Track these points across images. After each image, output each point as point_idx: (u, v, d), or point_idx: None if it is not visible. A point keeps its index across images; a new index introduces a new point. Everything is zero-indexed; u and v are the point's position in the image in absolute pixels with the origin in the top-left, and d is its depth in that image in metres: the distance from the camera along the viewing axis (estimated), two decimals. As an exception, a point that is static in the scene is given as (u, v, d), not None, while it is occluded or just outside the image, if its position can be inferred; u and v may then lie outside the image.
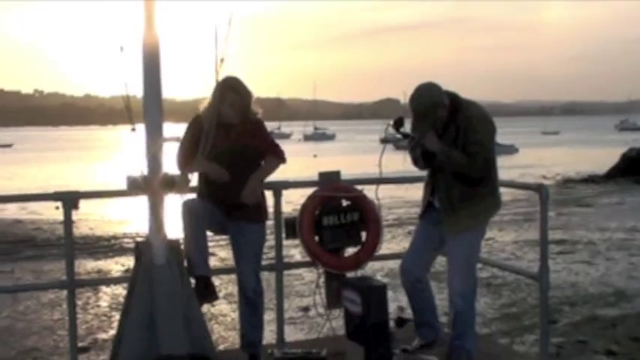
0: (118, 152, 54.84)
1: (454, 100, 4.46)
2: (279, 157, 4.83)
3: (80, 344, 6.13)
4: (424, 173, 4.79)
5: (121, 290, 8.82)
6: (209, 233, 4.82)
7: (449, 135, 4.43)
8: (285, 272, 5.30)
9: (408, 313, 5.23)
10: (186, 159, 4.67)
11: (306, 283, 9.40)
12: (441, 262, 5.24)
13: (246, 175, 4.69)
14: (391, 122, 4.56)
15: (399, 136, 4.65)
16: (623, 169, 27.31)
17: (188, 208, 4.55)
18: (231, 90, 4.65)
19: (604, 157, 38.00)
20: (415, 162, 4.69)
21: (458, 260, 4.54)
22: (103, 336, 7.40)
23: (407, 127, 4.58)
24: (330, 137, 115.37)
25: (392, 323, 5.24)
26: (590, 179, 28.13)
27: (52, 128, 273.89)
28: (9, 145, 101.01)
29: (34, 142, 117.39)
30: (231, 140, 4.69)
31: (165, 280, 3.47)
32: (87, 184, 28.77)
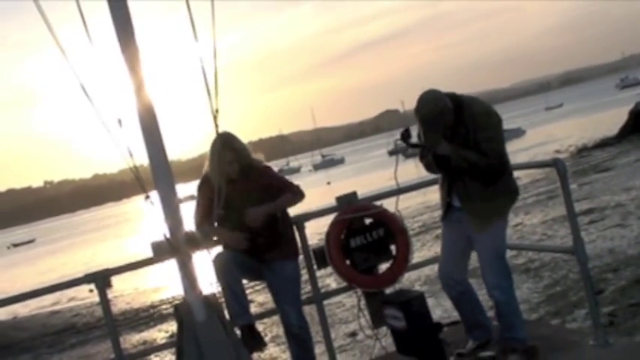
0: (139, 223, 55.13)
1: (455, 100, 4.49)
2: (297, 194, 4.86)
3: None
4: (437, 175, 4.80)
5: (170, 357, 8.84)
6: (244, 281, 4.85)
7: (459, 136, 4.45)
8: (326, 302, 5.31)
9: (447, 317, 5.21)
10: (203, 219, 4.72)
11: (348, 309, 9.38)
12: (475, 257, 5.23)
13: (265, 222, 4.74)
14: (399, 136, 4.59)
15: (409, 147, 4.67)
16: (634, 125, 27.03)
17: (219, 262, 4.60)
18: (226, 148, 4.68)
19: (612, 118, 37.75)
20: (428, 167, 4.70)
21: (487, 255, 4.53)
22: (162, 405, 7.41)
23: (413, 135, 4.61)
24: (340, 161, 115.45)
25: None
26: (604, 143, 27.86)
27: (70, 214, 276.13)
28: (31, 241, 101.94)
29: (55, 233, 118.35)
30: (243, 193, 4.74)
31: (210, 336, 3.48)
32: (117, 260, 28.88)
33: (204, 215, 4.75)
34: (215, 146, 4.68)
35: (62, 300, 21.34)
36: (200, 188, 4.88)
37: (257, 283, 5.42)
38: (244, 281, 4.82)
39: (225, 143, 4.67)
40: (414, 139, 4.57)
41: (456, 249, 4.72)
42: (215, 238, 4.79)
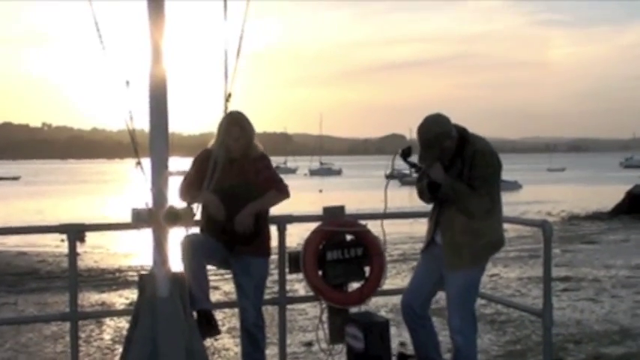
0: (125, 186, 55.01)
1: (462, 134, 4.51)
2: (282, 192, 4.85)
3: (82, 377, 6.08)
4: (429, 208, 4.81)
5: (124, 323, 8.78)
6: (212, 267, 4.83)
7: (455, 168, 4.47)
8: (289, 307, 5.30)
9: (410, 349, 5.20)
10: (189, 190, 4.70)
11: (310, 318, 9.33)
12: (444, 297, 5.22)
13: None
14: (399, 151, 4.60)
15: (406, 165, 4.69)
16: (628, 206, 27.27)
17: (188, 242, 4.57)
18: (236, 124, 4.71)
19: (609, 194, 37.93)
20: (421, 194, 4.71)
21: (456, 297, 4.53)
22: (105, 369, 7.36)
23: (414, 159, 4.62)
24: (337, 172, 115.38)
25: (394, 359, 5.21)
26: (596, 216, 28.12)
27: (60, 161, 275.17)
28: (17, 178, 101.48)
29: (41, 175, 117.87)
30: (234, 175, 4.73)
31: (168, 313, 3.47)
32: (95, 217, 28.78)
33: (189, 185, 4.72)
34: (225, 119, 4.71)
35: (36, 244, 21.20)
36: (196, 160, 4.86)
37: (227, 271, 5.39)
38: (212, 267, 4.79)
39: (237, 120, 4.70)
40: (413, 160, 4.59)
41: (426, 283, 4.72)
42: (196, 218, 4.77)
